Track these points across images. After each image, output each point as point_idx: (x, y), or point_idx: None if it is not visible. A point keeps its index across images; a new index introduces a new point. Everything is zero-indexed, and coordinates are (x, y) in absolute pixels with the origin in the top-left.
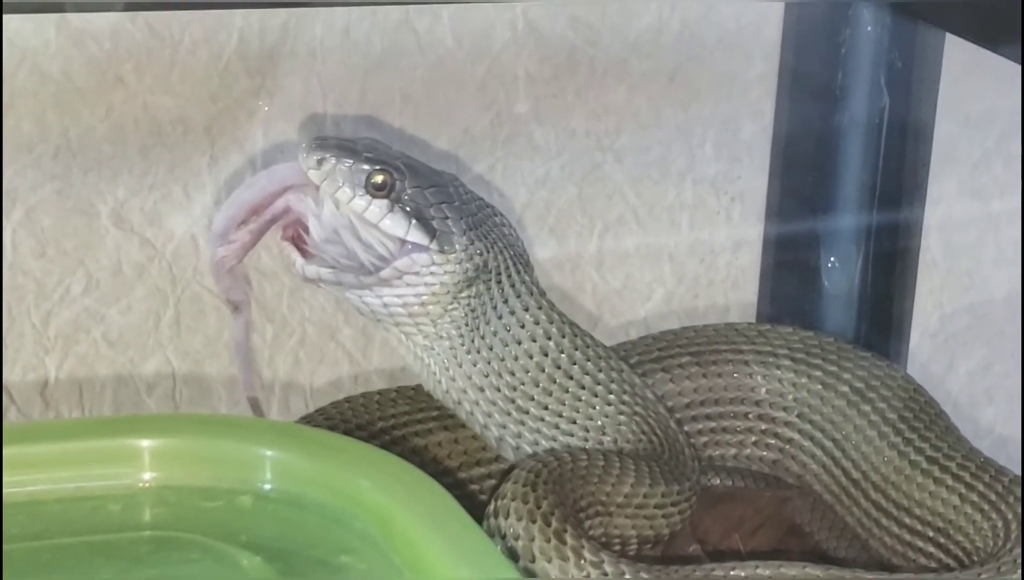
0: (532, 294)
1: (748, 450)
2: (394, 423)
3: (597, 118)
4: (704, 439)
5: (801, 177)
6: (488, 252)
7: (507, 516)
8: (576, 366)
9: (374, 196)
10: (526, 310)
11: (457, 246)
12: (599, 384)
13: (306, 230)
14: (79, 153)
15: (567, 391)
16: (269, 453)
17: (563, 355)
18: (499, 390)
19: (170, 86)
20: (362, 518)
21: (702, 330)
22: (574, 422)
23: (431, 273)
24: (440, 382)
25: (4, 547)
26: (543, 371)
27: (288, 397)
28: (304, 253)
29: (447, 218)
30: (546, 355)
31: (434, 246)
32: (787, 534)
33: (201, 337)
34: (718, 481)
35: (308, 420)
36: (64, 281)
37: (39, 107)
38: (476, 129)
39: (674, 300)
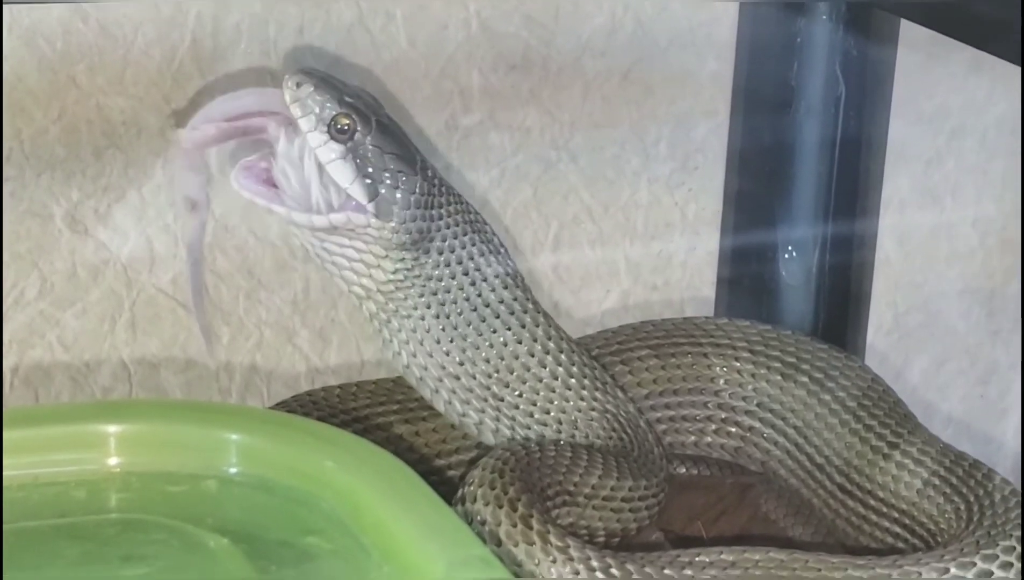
0: (508, 286)
1: (709, 438)
2: (356, 416)
3: (551, 118)
4: (663, 427)
5: (757, 172)
6: (437, 233)
7: (474, 501)
8: (550, 357)
9: (333, 137)
10: (500, 301)
11: (395, 217)
12: (572, 377)
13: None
14: (32, 155)
15: (541, 381)
16: (234, 437)
17: (537, 345)
18: (475, 378)
19: (123, 87)
20: (329, 499)
21: (660, 324)
22: (547, 413)
23: (368, 235)
24: (409, 367)
25: None
26: (517, 359)
27: (245, 399)
28: (249, 166)
29: (397, 188)
30: (520, 343)
31: (371, 208)
32: (750, 520)
33: (157, 340)
34: (682, 470)
35: None
36: (18, 284)
37: None
38: (431, 129)
39: (630, 298)
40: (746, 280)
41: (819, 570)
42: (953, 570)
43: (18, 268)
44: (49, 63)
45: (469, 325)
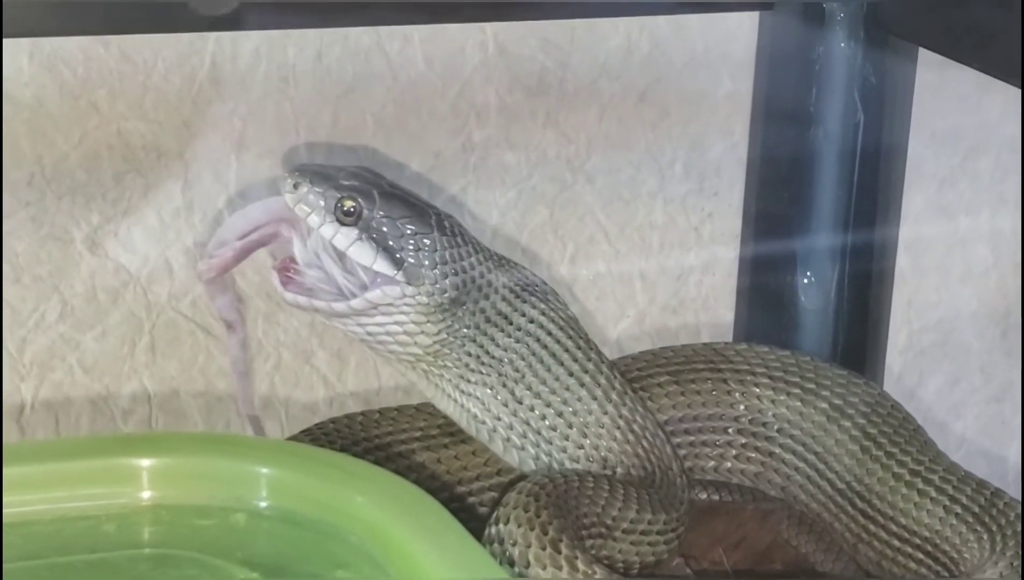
0: (527, 301)
1: (729, 463)
2: (378, 444)
3: (567, 140)
4: (683, 452)
5: (776, 194)
6: (464, 286)
7: (507, 522)
8: (578, 365)
9: (343, 223)
10: (531, 321)
11: (426, 279)
12: (599, 388)
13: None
14: (53, 179)
15: (568, 389)
16: (264, 471)
17: (567, 354)
18: (504, 386)
19: (143, 112)
20: (357, 533)
21: (680, 350)
22: (582, 447)
23: (406, 305)
24: (456, 400)
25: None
26: (544, 367)
27: (264, 422)
28: (289, 279)
29: (419, 250)
30: (545, 349)
31: (401, 277)
32: (771, 546)
33: (176, 362)
34: (703, 495)
35: (294, 441)
36: (39, 307)
37: (12, 134)
38: (447, 152)
39: (646, 321)
40: (764, 302)
41: None
42: None
43: (39, 291)
44: (70, 88)
45: (506, 350)
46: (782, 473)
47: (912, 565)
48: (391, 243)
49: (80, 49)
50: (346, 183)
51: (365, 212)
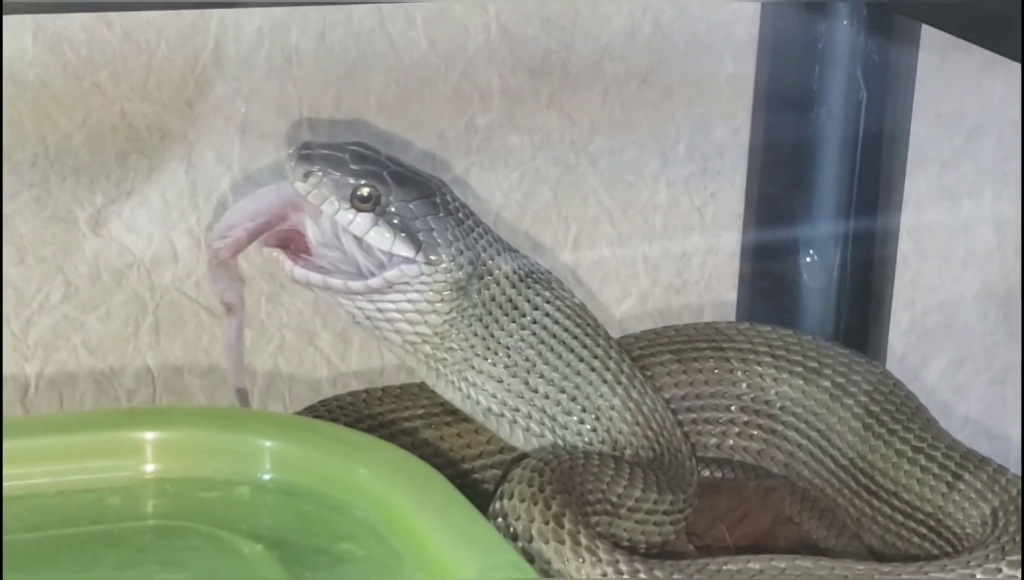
0: (533, 284)
1: (731, 440)
2: (382, 422)
3: (571, 121)
4: (687, 430)
5: (779, 175)
6: (477, 258)
7: (511, 497)
8: (587, 351)
9: (359, 209)
10: (535, 308)
11: (444, 256)
12: (609, 371)
13: (298, 238)
14: (57, 160)
15: (579, 374)
16: (268, 444)
17: (577, 342)
18: (514, 377)
19: (147, 92)
20: (361, 506)
21: (683, 329)
22: (595, 430)
23: (422, 283)
24: (460, 389)
25: (6, 539)
26: (554, 354)
27: (267, 402)
28: (295, 257)
29: (432, 229)
30: (554, 338)
31: (420, 258)
32: (773, 523)
33: (180, 343)
34: (706, 473)
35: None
36: (43, 288)
37: (16, 114)
38: (451, 133)
39: (649, 301)
40: (767, 283)
41: (846, 577)
42: (979, 576)
43: (43, 272)
44: (74, 69)
45: (512, 336)
46: (785, 451)
47: (915, 541)
48: (407, 225)
49: (83, 29)
50: (356, 167)
51: (383, 197)
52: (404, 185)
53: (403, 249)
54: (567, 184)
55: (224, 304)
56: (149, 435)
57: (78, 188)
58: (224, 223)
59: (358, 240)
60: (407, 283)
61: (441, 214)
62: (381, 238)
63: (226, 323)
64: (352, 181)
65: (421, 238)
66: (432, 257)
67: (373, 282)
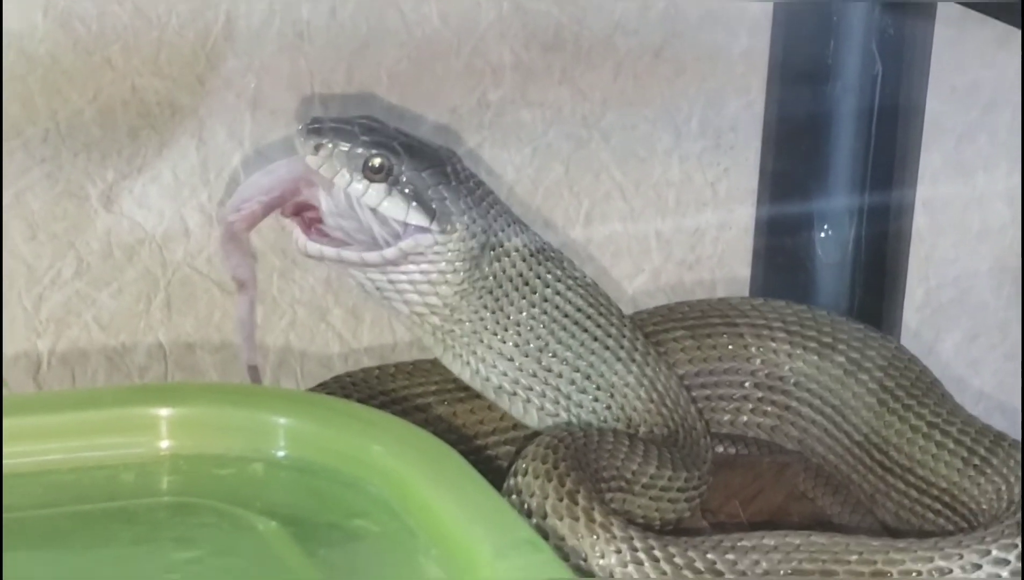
0: (544, 261)
1: (745, 417)
2: (394, 398)
3: (583, 97)
4: (701, 406)
5: (793, 150)
6: (490, 228)
7: (525, 474)
8: (601, 331)
9: (372, 180)
10: (538, 277)
11: (458, 225)
12: (623, 349)
13: (312, 209)
14: (68, 136)
15: (593, 353)
16: (282, 421)
17: (590, 321)
18: (526, 357)
19: (158, 68)
20: (375, 483)
21: (696, 304)
22: (609, 408)
23: (435, 253)
24: (469, 364)
25: (19, 515)
26: (568, 334)
27: (279, 379)
28: (308, 230)
29: (445, 198)
30: (567, 317)
31: (435, 227)
32: (787, 499)
33: (192, 319)
34: (720, 449)
35: None
36: (55, 264)
37: (27, 90)
38: (463, 109)
39: (662, 276)
40: (781, 258)
41: (860, 553)
42: (995, 552)
43: (55, 248)
44: (84, 44)
45: (521, 312)
46: (799, 427)
47: (930, 516)
48: (420, 194)
49: (94, 5)
50: (367, 139)
51: (395, 167)
52: (415, 155)
53: (417, 218)
54: (579, 159)
55: (236, 280)
56: (163, 412)
57: (89, 164)
58: (237, 197)
59: (372, 210)
60: (421, 253)
61: (453, 183)
62: (395, 208)
63: (238, 299)
64: (363, 152)
65: (435, 207)
66: (446, 226)
67: (388, 253)
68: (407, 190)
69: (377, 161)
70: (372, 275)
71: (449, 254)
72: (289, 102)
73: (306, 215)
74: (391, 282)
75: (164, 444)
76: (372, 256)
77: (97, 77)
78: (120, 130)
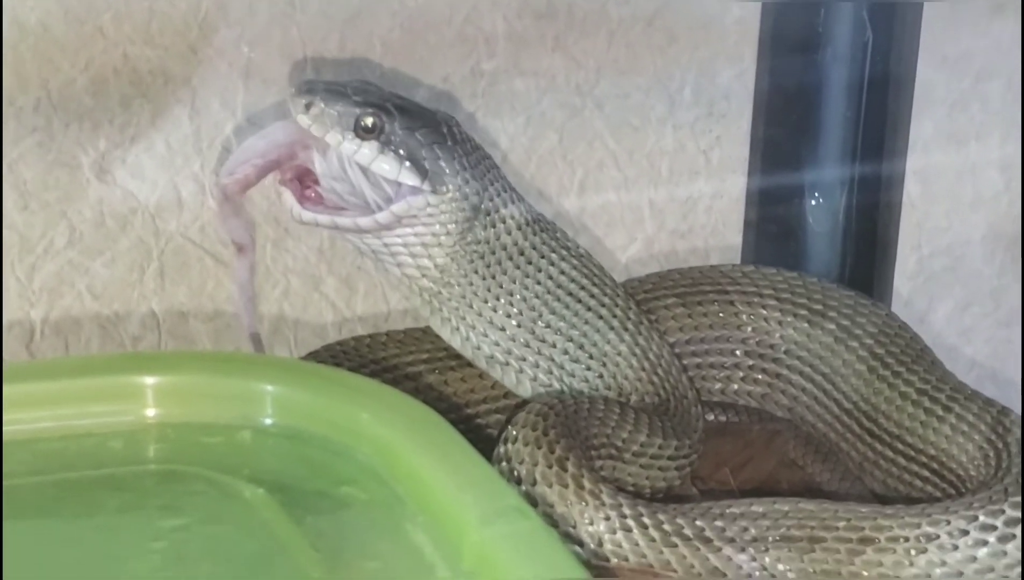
0: (539, 231)
1: (735, 385)
2: (385, 366)
3: (576, 65)
4: (692, 374)
5: (784, 118)
6: (484, 192)
7: (515, 441)
8: (595, 301)
9: (364, 138)
10: (534, 247)
11: (450, 186)
12: (615, 318)
13: (309, 174)
14: (60, 105)
15: (587, 323)
16: (269, 388)
17: (583, 291)
18: (519, 327)
19: (149, 37)
20: (363, 450)
21: (687, 272)
22: (601, 377)
23: (428, 214)
24: (459, 330)
25: (7, 483)
26: (562, 305)
27: (273, 347)
28: (302, 197)
29: (439, 158)
30: (560, 288)
31: (427, 186)
32: (777, 466)
33: (185, 289)
34: (710, 417)
35: None
36: (47, 234)
37: (18, 59)
38: (455, 78)
39: (655, 245)
40: (773, 226)
41: (848, 520)
42: (982, 518)
43: (47, 217)
44: (76, 13)
45: (515, 281)
46: (789, 394)
47: (918, 483)
48: (413, 154)
49: None
50: (359, 98)
51: (387, 126)
52: (409, 115)
53: (409, 177)
54: (573, 128)
55: (234, 244)
56: (151, 380)
57: (81, 133)
58: (233, 160)
59: (364, 172)
60: (414, 216)
61: (448, 144)
62: (387, 166)
63: (237, 263)
64: (355, 110)
65: (427, 167)
66: (439, 186)
67: (381, 217)
68: (399, 150)
69: (369, 120)
70: (368, 239)
71: (442, 216)
72: (282, 71)
73: (303, 180)
74: (386, 245)
75: (152, 412)
76: (365, 221)
77: (89, 46)
78: (112, 99)
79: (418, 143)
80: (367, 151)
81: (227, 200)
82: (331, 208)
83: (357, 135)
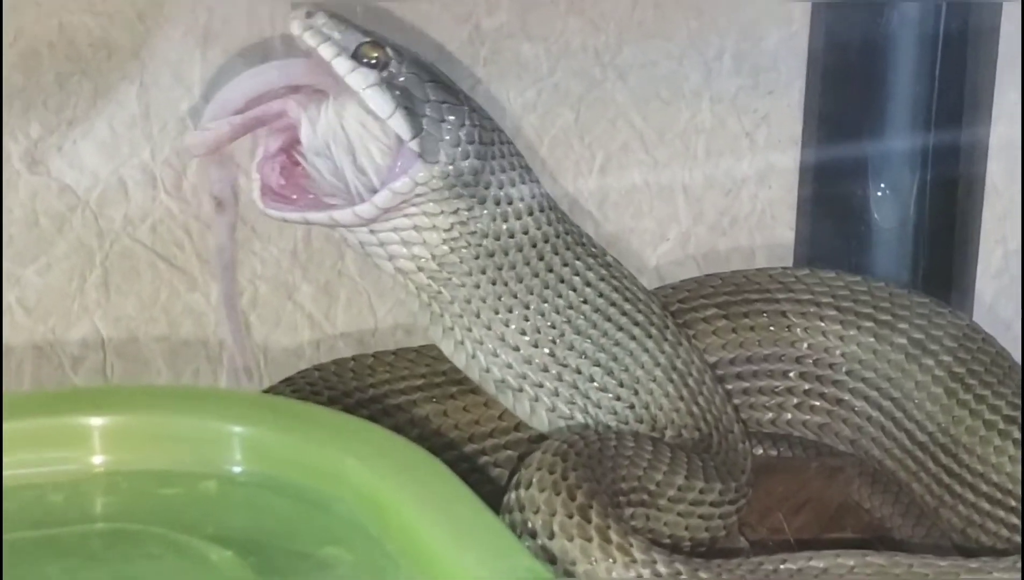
0: (562, 233)
1: (789, 414)
2: (373, 395)
3: (595, 28)
4: (737, 402)
5: (844, 91)
6: (492, 175)
7: (529, 486)
8: (626, 318)
9: (363, 64)
10: (565, 264)
11: (443, 155)
12: (650, 339)
13: (295, 148)
14: None
15: (618, 360)
16: (238, 429)
17: (613, 307)
18: (536, 346)
19: (90, 3)
20: (349, 502)
21: (730, 277)
22: (631, 405)
23: (416, 193)
24: (464, 345)
25: None
26: (587, 322)
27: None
28: (279, 182)
29: (442, 120)
30: (585, 303)
31: (414, 145)
32: (839, 511)
33: (135, 300)
34: (759, 451)
35: (273, 392)
36: None
37: None
38: (452, 44)
39: (691, 242)
40: (831, 220)
41: (926, 576)
42: None
43: None
44: None
45: (532, 292)
46: (852, 423)
47: (1004, 532)
48: (414, 102)
49: None
50: (369, 30)
51: (392, 63)
52: (420, 64)
53: (401, 126)
54: (591, 103)
55: (214, 199)
56: (97, 420)
57: (10, 117)
58: (217, 104)
59: (353, 154)
60: (398, 208)
61: (462, 108)
62: (380, 102)
63: (216, 222)
64: (361, 36)
65: (424, 126)
66: (429, 150)
67: (362, 210)
68: (398, 92)
69: (373, 54)
70: (356, 231)
71: (431, 194)
72: (246, 37)
73: (291, 152)
74: (372, 232)
75: (98, 459)
76: (344, 215)
77: (18, 15)
78: (46, 77)
79: (423, 95)
80: (362, 75)
81: (209, 150)
82: (304, 202)
83: (356, 58)
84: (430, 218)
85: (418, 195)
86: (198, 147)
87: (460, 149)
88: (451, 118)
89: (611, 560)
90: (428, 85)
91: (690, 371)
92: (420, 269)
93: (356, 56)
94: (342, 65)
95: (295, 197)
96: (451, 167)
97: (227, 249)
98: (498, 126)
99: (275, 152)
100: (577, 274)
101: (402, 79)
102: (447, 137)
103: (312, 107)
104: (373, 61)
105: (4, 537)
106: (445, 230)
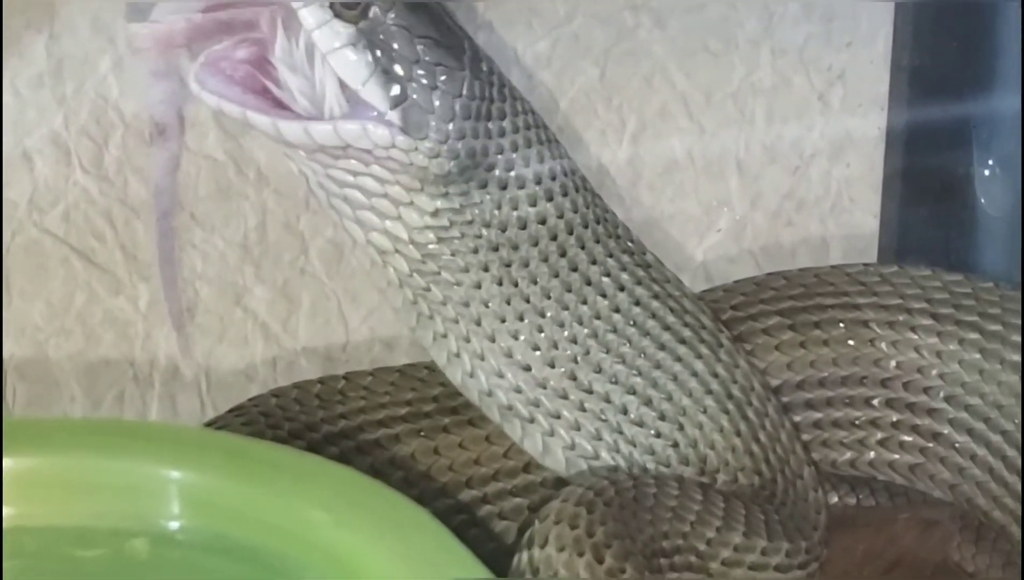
0: (600, 238)
1: (872, 452)
2: (344, 428)
3: None
4: (806, 437)
5: (940, 45)
6: (497, 159)
7: (544, 545)
8: (669, 333)
9: (338, 15)
10: (593, 261)
11: (432, 133)
12: (699, 359)
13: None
14: None
15: (657, 366)
16: (174, 474)
17: (652, 319)
18: (552, 366)
19: None
20: (315, 566)
21: (798, 277)
22: (662, 418)
23: (391, 158)
24: (460, 358)
25: None
26: (619, 337)
27: (174, 393)
28: (207, 67)
29: (434, 88)
30: (617, 312)
31: (395, 118)
32: (936, 573)
33: (42, 306)
34: (834, 498)
35: (219, 425)
36: None
37: None
38: None
39: (747, 233)
40: (924, 206)
41: None
42: None
43: None
44: None
45: (548, 295)
46: (952, 464)
47: None
48: (396, 64)
49: None
50: None
51: (375, 10)
52: (416, 14)
53: (376, 96)
54: (620, 56)
55: (155, 124)
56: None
57: None
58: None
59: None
60: (369, 152)
61: (462, 73)
62: (352, 67)
63: (155, 154)
64: None
65: (409, 93)
66: (414, 125)
67: (316, 129)
68: (377, 50)
69: None
70: (309, 162)
71: (412, 170)
72: None
73: (261, 69)
74: (333, 181)
75: (6, 512)
76: (290, 126)
77: None
78: None
79: (411, 55)
80: (331, 32)
81: (146, 57)
82: (248, 93)
83: (332, 9)
84: (408, 193)
85: (394, 160)
86: (145, 39)
87: (454, 125)
88: (445, 86)
89: None
90: (420, 42)
91: (749, 399)
92: (398, 252)
93: (332, 5)
94: (312, 17)
95: (243, 90)
96: (444, 146)
97: (166, 190)
98: (515, 92)
99: (237, 60)
100: (608, 275)
101: (384, 31)
102: (438, 108)
103: (290, 19)
104: (352, 4)
105: None
106: (430, 214)
